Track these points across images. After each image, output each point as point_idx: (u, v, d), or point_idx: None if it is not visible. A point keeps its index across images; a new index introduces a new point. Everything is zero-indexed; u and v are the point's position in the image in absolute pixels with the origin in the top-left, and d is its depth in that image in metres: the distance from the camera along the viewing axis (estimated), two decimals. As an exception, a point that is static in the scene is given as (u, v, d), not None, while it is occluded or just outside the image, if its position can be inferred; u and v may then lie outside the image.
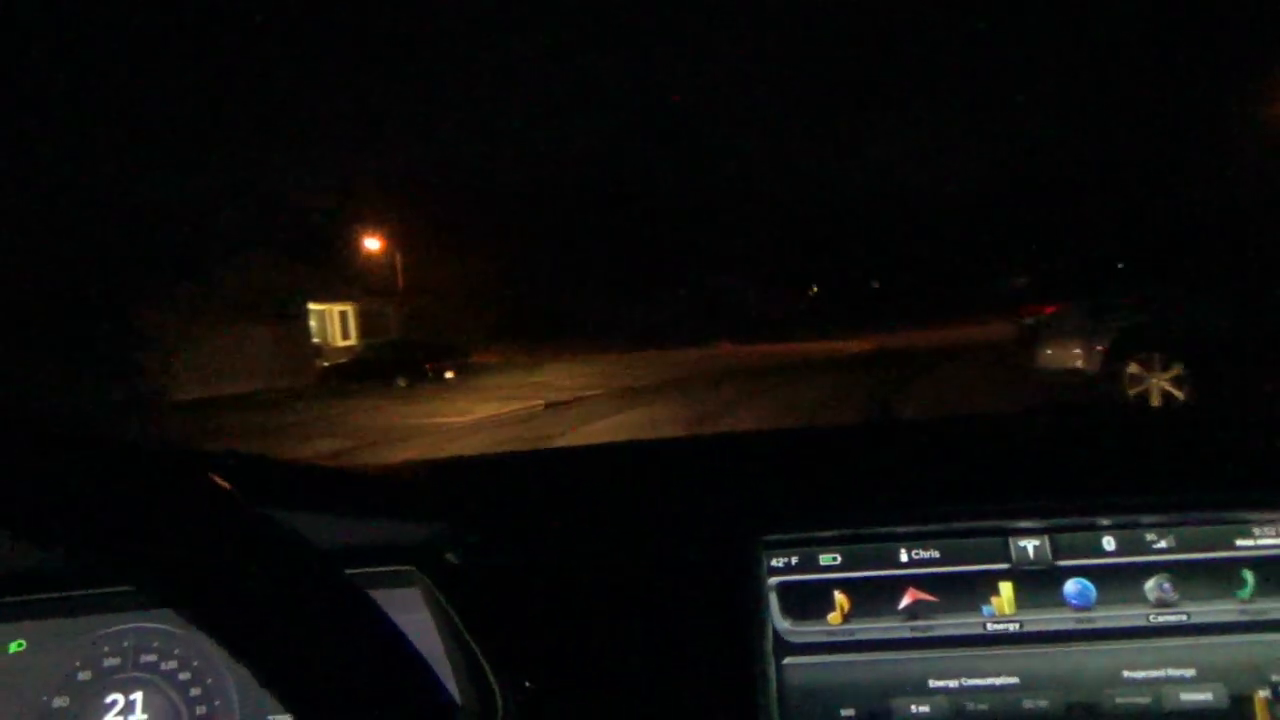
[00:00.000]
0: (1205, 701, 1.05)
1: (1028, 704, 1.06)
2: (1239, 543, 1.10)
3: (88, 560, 0.62)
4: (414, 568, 1.16)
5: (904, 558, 1.13)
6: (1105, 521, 1.12)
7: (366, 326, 37.46)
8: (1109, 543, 1.11)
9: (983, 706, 1.07)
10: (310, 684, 0.62)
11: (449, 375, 26.87)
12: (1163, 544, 1.11)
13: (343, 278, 37.04)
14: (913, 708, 1.07)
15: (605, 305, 49.94)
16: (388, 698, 0.64)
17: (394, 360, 27.28)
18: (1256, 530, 1.11)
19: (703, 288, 54.84)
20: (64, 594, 1.16)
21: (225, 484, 0.70)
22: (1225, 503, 1.12)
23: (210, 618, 0.62)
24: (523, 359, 33.39)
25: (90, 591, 1.16)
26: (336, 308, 37.13)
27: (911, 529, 1.14)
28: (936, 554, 1.13)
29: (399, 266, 39.89)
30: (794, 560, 1.14)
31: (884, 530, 1.15)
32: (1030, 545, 1.12)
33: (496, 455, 1.51)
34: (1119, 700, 1.05)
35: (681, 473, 1.41)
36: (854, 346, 30.83)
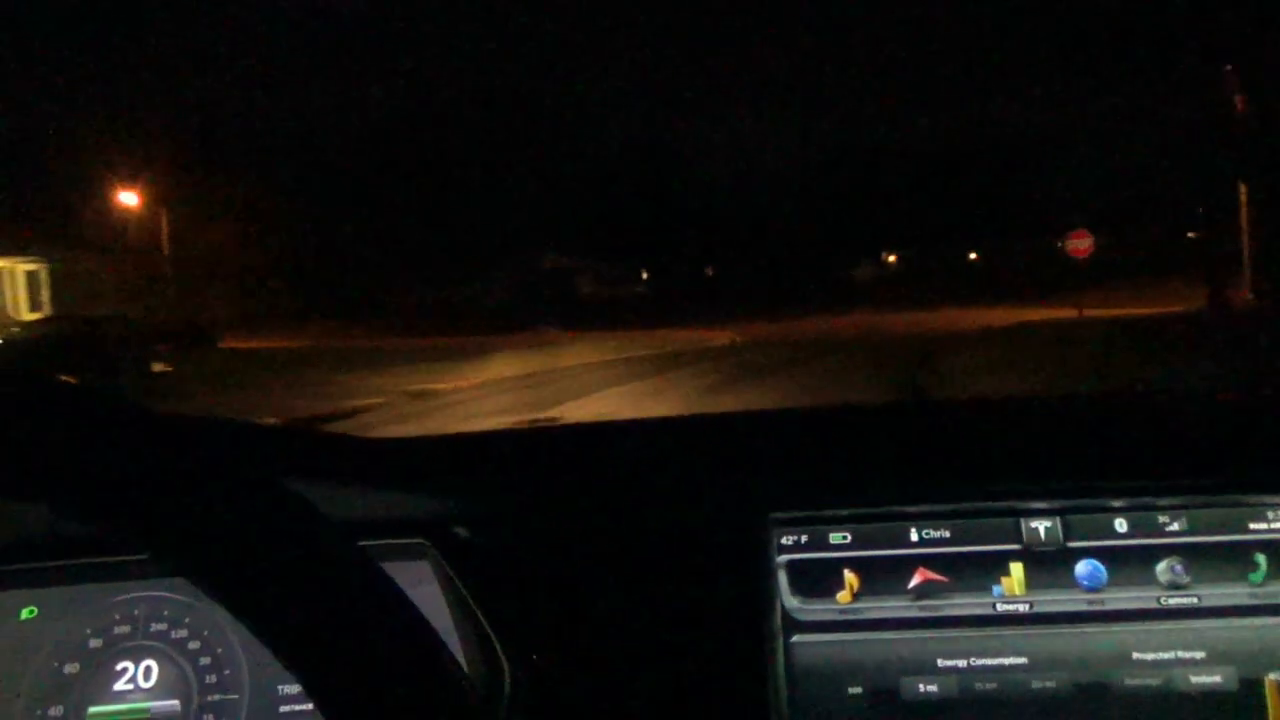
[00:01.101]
0: (1215, 684, 1.04)
1: (1036, 684, 1.06)
2: (1252, 526, 1.10)
3: (101, 526, 0.61)
4: (424, 541, 1.16)
5: (914, 537, 1.13)
6: (1117, 503, 1.12)
7: (68, 292, 26.29)
8: (1121, 524, 1.11)
9: (991, 686, 1.07)
10: (321, 656, 0.62)
11: (158, 369, 18.03)
12: (1175, 526, 1.10)
13: (41, 225, 26.66)
14: (921, 687, 1.07)
15: (412, 284, 42.06)
16: (400, 671, 0.63)
17: (77, 344, 17.92)
18: (1270, 514, 1.10)
19: (527, 267, 48.16)
20: (76, 561, 1.16)
21: (239, 450, 0.69)
22: (1239, 485, 1.12)
23: (220, 587, 0.62)
24: (287, 347, 25.15)
25: (102, 559, 1.16)
26: (21, 266, 26.31)
27: (922, 508, 1.14)
28: (947, 534, 1.12)
29: (161, 226, 28.90)
30: (804, 538, 1.14)
31: (895, 509, 1.14)
32: (1042, 526, 1.11)
33: (507, 431, 1.52)
34: (1128, 681, 1.05)
35: (692, 449, 1.41)
36: (707, 335, 26.00)
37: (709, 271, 58.71)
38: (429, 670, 0.65)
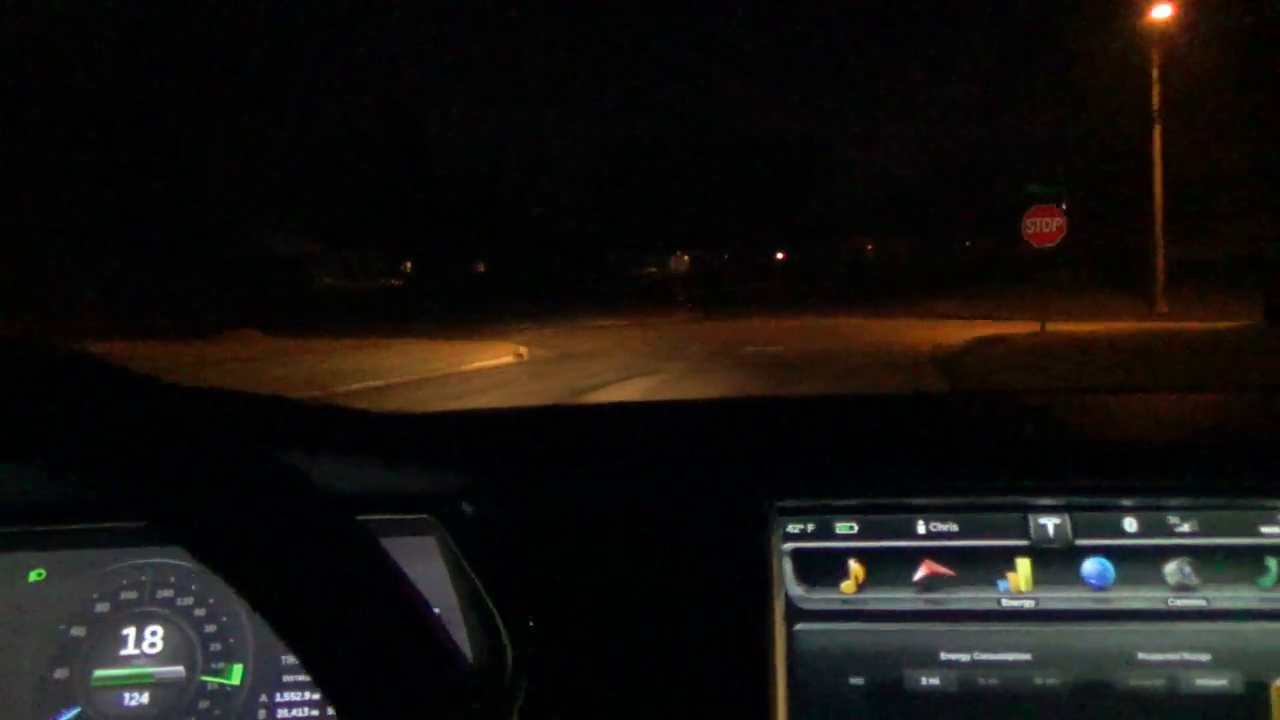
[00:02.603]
0: (1220, 687, 1.04)
1: (1039, 681, 1.06)
2: (1263, 529, 1.10)
3: (96, 492, 0.60)
4: (429, 517, 1.16)
5: (921, 529, 1.13)
6: (1127, 502, 1.12)
7: None
8: (1130, 524, 1.11)
9: (993, 681, 1.07)
10: (311, 626, 0.62)
11: None
12: (1185, 527, 1.10)
13: None
14: (923, 679, 1.07)
15: (99, 273, 29.70)
16: (391, 641, 0.63)
17: None
18: None
19: (246, 254, 39.37)
20: (84, 526, 1.17)
21: (236, 422, 0.72)
22: (1251, 488, 1.12)
23: (211, 555, 0.62)
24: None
25: (110, 525, 1.17)
26: None
27: (930, 501, 1.14)
28: (955, 527, 1.12)
29: None
30: (809, 527, 1.13)
31: (902, 501, 1.14)
32: (1050, 523, 1.11)
33: (515, 410, 1.52)
34: (1132, 682, 1.05)
35: (700, 434, 1.40)
36: (478, 349, 18.89)
37: (480, 267, 53.84)
38: (420, 642, 0.64)
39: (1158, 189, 24.68)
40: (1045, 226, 19.93)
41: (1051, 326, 19.17)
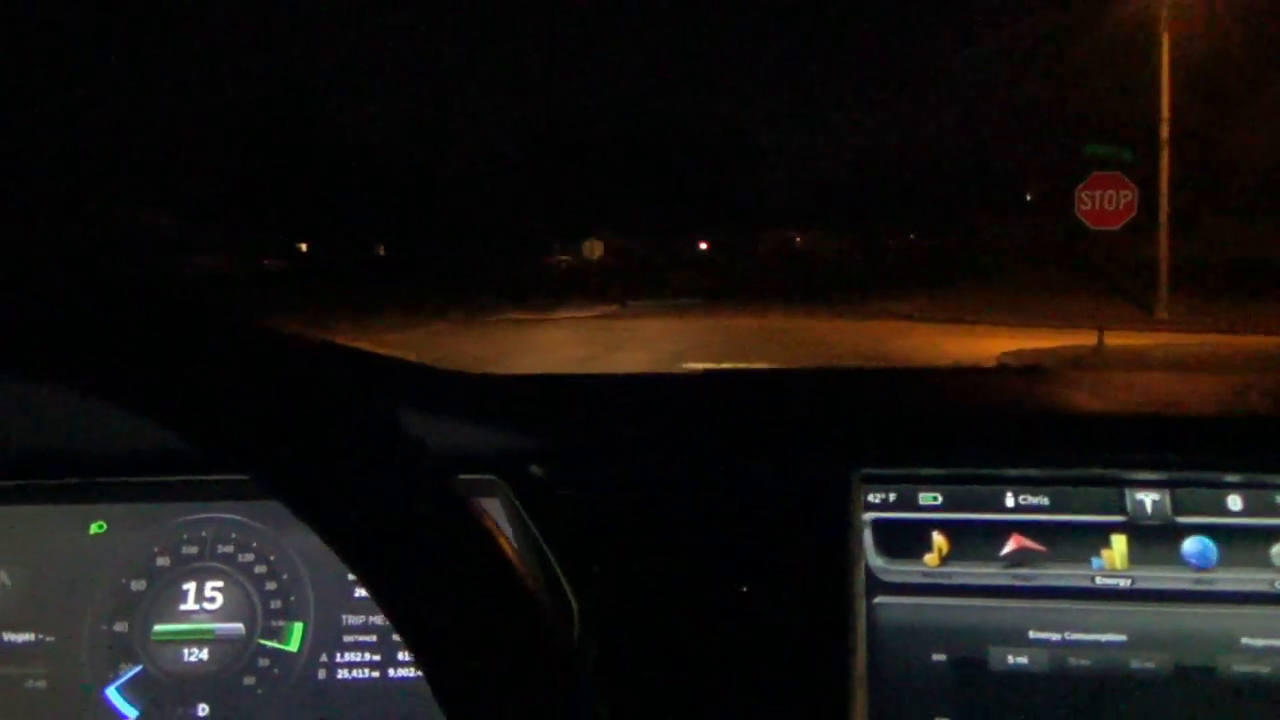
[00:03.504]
0: None
1: (1135, 664, 1.01)
2: None
3: (213, 447, 0.58)
4: (496, 478, 1.14)
5: (1010, 502, 1.07)
6: (1232, 479, 1.05)
7: None
8: (1235, 502, 1.05)
9: (1085, 662, 1.02)
10: (411, 591, 0.59)
11: None
12: None
13: None
14: (1010, 658, 1.02)
15: None
16: (488, 605, 0.60)
17: None
18: None
19: (115, 230, 35.24)
20: (147, 479, 1.16)
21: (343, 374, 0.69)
22: None
23: (317, 516, 0.59)
24: None
25: (173, 478, 1.16)
26: None
27: (1020, 473, 1.09)
28: (1046, 501, 1.07)
29: None
30: (892, 497, 1.09)
31: (990, 472, 1.09)
32: (1148, 499, 1.06)
33: (589, 375, 1.48)
34: (1235, 668, 1.00)
35: (781, 402, 1.36)
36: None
37: (380, 250, 50.03)
38: (516, 606, 0.61)
39: (1164, 182, 21.15)
40: (1110, 202, 15.28)
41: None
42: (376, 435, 0.62)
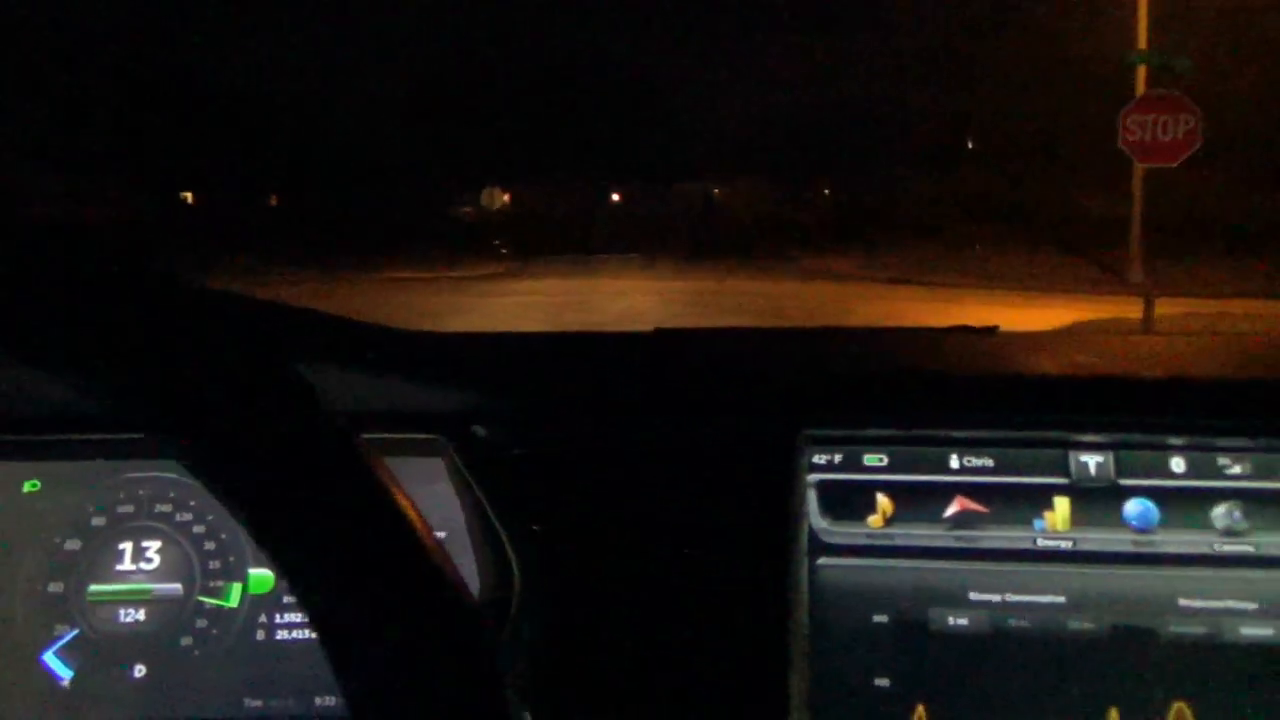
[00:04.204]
0: (1265, 637, 0.99)
1: (1073, 625, 1.01)
2: None
3: (98, 397, 0.57)
4: (439, 437, 1.13)
5: (955, 464, 1.07)
6: (1176, 441, 1.06)
7: None
8: (1178, 464, 1.05)
9: (1024, 624, 1.02)
10: (302, 553, 0.58)
11: None
12: (1237, 469, 1.04)
13: None
14: (951, 619, 1.03)
15: None
16: (388, 577, 0.59)
17: None
18: None
19: None
20: (82, 437, 1.15)
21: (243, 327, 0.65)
22: None
23: (209, 474, 0.58)
24: None
25: (108, 436, 1.15)
26: None
27: (965, 434, 1.08)
28: (990, 463, 1.07)
29: None
30: (837, 458, 1.08)
31: (935, 434, 1.09)
32: (1092, 460, 1.06)
33: (534, 334, 1.48)
34: (1172, 629, 1.00)
35: (725, 361, 1.35)
36: None
37: (273, 200, 45.09)
38: (418, 573, 0.60)
39: None
40: (1166, 129, 12.14)
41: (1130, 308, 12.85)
42: (265, 389, 0.60)
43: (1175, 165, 12.53)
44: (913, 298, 16.46)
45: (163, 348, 0.58)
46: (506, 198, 39.39)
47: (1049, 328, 11.10)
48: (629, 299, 16.71)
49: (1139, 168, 16.87)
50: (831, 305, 15.93)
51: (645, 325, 1.50)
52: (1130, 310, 13.00)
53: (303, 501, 0.57)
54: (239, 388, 0.59)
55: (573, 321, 13.87)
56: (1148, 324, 11.68)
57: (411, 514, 0.60)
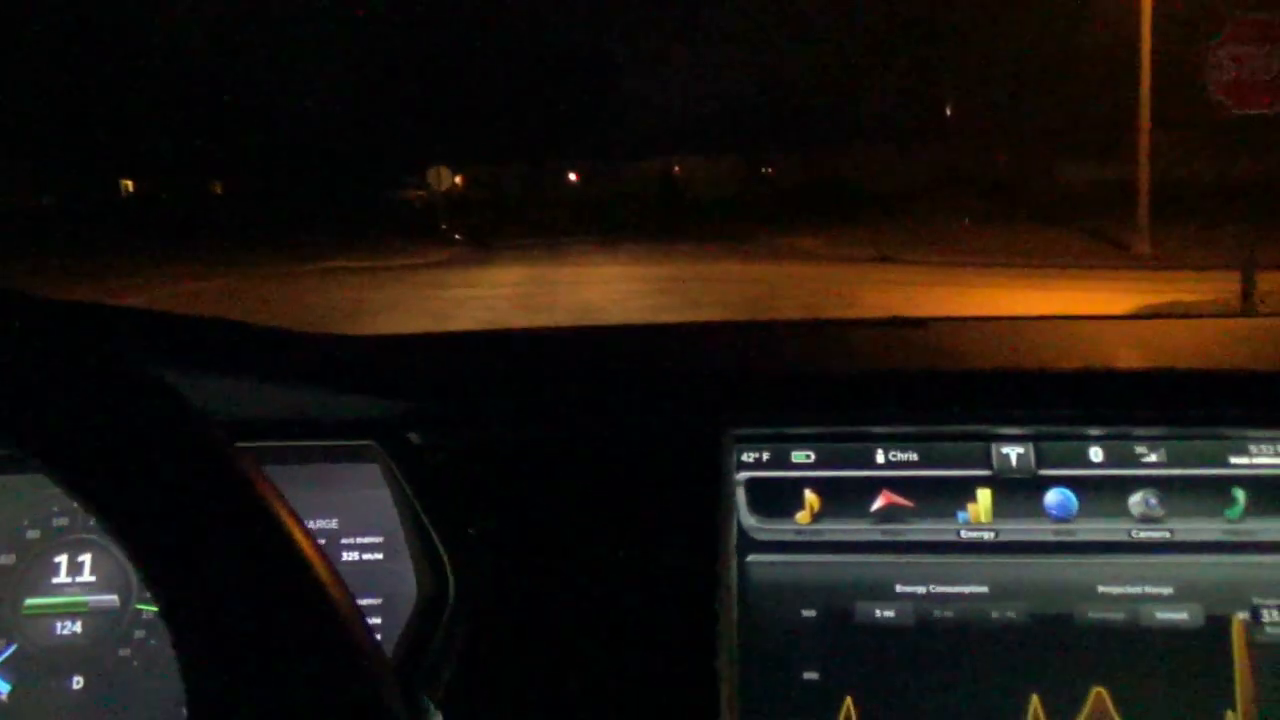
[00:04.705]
0: (1181, 620, 1.02)
1: (996, 614, 1.04)
2: (1233, 460, 1.07)
3: None
4: (374, 443, 1.14)
5: (880, 459, 1.09)
6: (1093, 431, 1.08)
7: None
8: (1096, 454, 1.08)
9: (948, 614, 1.04)
10: (163, 568, 0.58)
11: None
12: (1153, 457, 1.07)
13: None
14: (877, 612, 1.05)
15: None
16: (255, 598, 0.58)
17: None
18: (1253, 448, 1.07)
19: None
20: (10, 450, 1.04)
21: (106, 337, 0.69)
22: (1222, 417, 1.09)
23: (74, 490, 0.60)
24: None
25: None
26: None
27: (890, 430, 1.10)
28: (914, 456, 1.09)
29: None
30: (765, 456, 1.10)
31: (861, 430, 1.11)
32: (1013, 452, 1.08)
33: (463, 334, 1.48)
34: (1091, 615, 1.03)
35: (653, 359, 1.37)
36: None
37: (216, 189, 42.45)
38: (283, 574, 0.59)
39: (1145, 88, 16.90)
40: (1265, 67, 10.27)
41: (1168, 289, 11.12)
42: (127, 402, 0.60)
43: (1271, 110, 10.30)
44: (913, 281, 15.05)
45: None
46: (459, 179, 36.94)
47: (1108, 313, 8.21)
48: (593, 289, 15.02)
49: (1144, 128, 15.83)
50: (831, 296, 13.94)
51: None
52: (1149, 286, 11.69)
53: (155, 510, 0.57)
54: (82, 399, 0.59)
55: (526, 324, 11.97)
56: (1249, 305, 9.97)
57: (289, 521, 0.60)
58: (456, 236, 25.31)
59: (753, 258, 19.51)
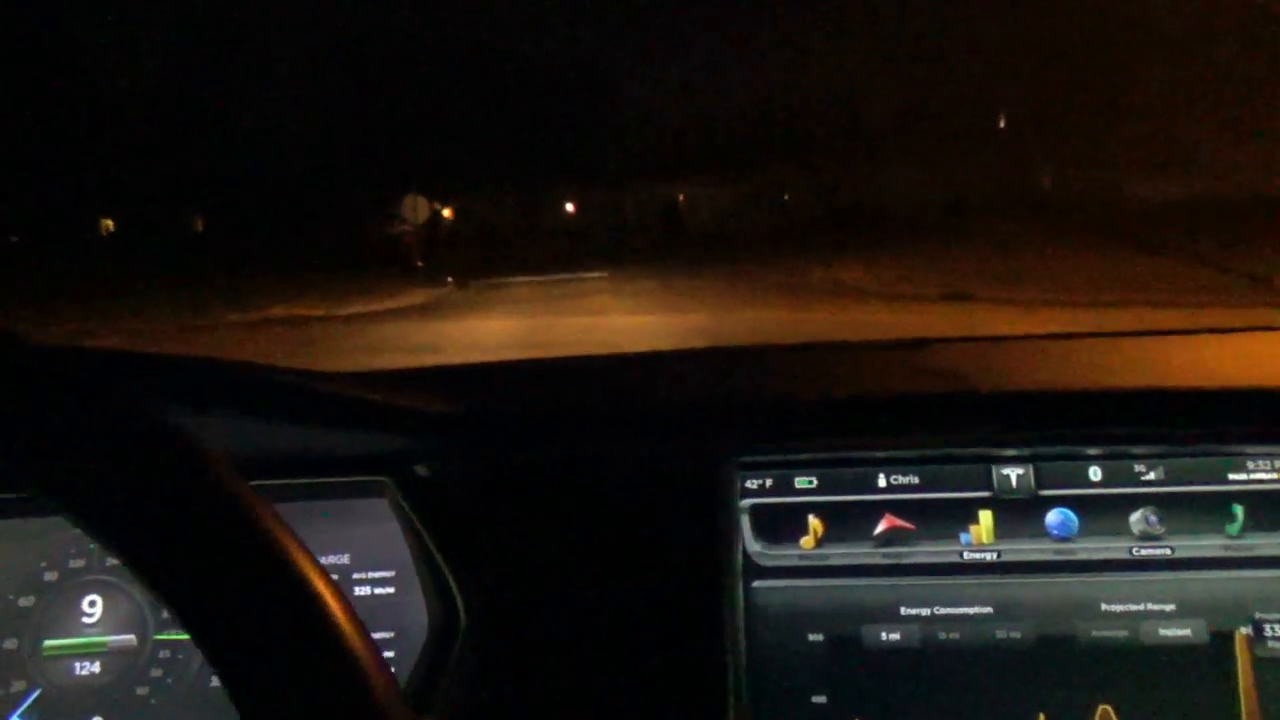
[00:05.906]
0: (1184, 637, 1.04)
1: (1001, 634, 1.05)
2: (1231, 476, 1.08)
3: None
4: (384, 478, 1.15)
5: (882, 483, 1.11)
6: (1092, 451, 1.10)
7: None
8: (1095, 473, 1.09)
9: (954, 635, 1.06)
10: (198, 606, 0.59)
11: None
12: (1151, 475, 1.09)
13: None
14: (883, 635, 1.06)
15: None
16: (289, 630, 0.60)
17: None
18: (1250, 464, 1.08)
19: None
20: (26, 495, 1.12)
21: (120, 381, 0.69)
22: (1220, 434, 1.10)
23: (95, 534, 0.61)
24: None
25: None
26: None
27: (891, 454, 1.12)
28: (916, 480, 1.10)
29: None
30: (769, 482, 1.12)
31: (863, 454, 1.12)
32: (1013, 473, 1.10)
33: (470, 365, 1.49)
34: (1095, 633, 1.04)
35: (657, 388, 1.38)
36: None
37: (199, 226, 37.39)
38: (302, 611, 0.61)
39: None
40: None
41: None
42: (147, 446, 0.61)
43: None
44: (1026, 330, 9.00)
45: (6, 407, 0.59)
46: (447, 212, 34.82)
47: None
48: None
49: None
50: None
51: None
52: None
53: (176, 553, 0.59)
54: (103, 444, 0.60)
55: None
56: None
57: (300, 557, 0.61)
58: (448, 279, 21.79)
59: (797, 298, 15.01)
